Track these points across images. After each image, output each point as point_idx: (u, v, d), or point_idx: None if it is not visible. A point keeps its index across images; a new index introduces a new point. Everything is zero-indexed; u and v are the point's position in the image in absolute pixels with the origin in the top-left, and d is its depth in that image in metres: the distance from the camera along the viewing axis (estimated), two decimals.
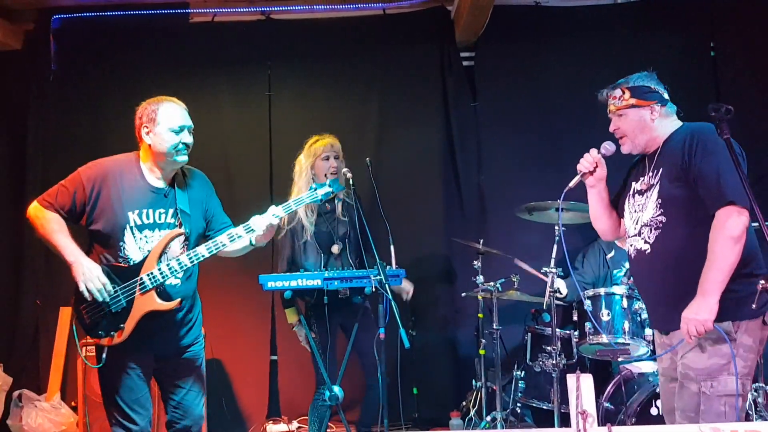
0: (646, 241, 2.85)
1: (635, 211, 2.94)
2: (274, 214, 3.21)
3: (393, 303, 3.52)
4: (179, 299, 3.08)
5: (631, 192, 3.01)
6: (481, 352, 4.75)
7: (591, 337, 4.18)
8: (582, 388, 1.93)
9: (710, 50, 5.54)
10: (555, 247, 4.25)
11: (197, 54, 5.55)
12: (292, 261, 4.21)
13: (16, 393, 4.99)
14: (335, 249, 4.15)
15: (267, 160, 5.49)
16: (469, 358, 5.24)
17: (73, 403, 5.10)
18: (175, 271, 3.07)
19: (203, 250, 3.12)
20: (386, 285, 3.59)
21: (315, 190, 3.34)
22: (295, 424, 5.24)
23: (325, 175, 4.09)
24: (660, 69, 5.16)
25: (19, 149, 5.48)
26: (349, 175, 4.04)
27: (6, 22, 5.45)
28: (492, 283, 4.48)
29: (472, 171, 5.53)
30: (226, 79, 5.54)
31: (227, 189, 5.40)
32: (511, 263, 4.77)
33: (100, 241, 3.12)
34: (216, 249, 3.15)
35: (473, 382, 4.87)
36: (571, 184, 3.08)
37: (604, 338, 4.12)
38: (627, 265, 4.85)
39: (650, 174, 2.90)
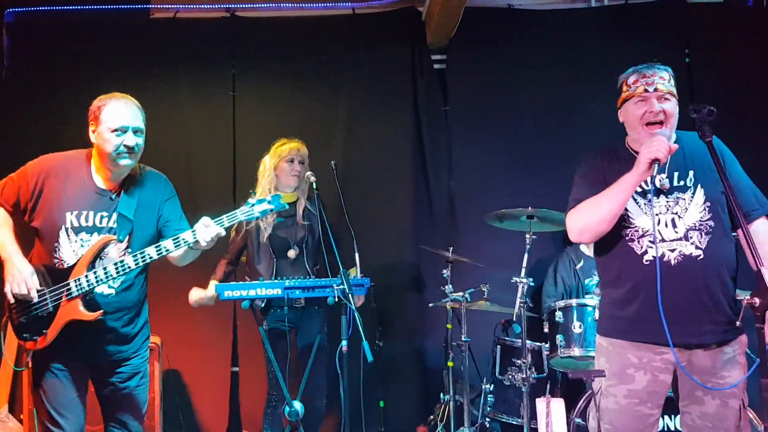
0: (697, 246, 2.65)
1: (661, 213, 2.71)
2: (210, 236, 2.93)
3: (356, 314, 3.39)
4: (100, 311, 2.89)
5: (643, 189, 2.74)
6: (450, 364, 4.60)
7: (562, 350, 4.05)
8: (552, 413, 1.77)
9: (685, 56, 5.47)
10: (526, 256, 4.12)
11: (158, 51, 5.33)
12: (240, 252, 4.18)
13: None
14: (291, 254, 4.05)
15: (230, 162, 5.30)
16: (437, 370, 5.07)
17: (21, 416, 4.86)
18: (102, 280, 2.90)
19: (130, 261, 2.92)
20: (350, 295, 3.45)
21: (252, 206, 3.04)
22: None
23: (289, 176, 4.08)
24: None
25: None
26: (312, 179, 3.95)
27: None
28: (461, 293, 4.33)
29: (443, 176, 5.39)
30: (189, 78, 5.33)
31: (189, 191, 5.22)
32: (481, 272, 4.65)
33: (39, 240, 3.01)
34: (143, 260, 2.93)
35: (441, 395, 4.70)
36: (654, 173, 2.59)
37: (576, 351, 4.00)
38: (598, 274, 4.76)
39: (670, 174, 2.73)
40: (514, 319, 4.07)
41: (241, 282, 3.84)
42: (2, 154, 5.15)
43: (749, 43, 5.36)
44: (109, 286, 2.96)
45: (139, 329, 3.13)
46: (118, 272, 2.91)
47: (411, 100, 5.38)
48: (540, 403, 1.78)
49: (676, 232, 2.68)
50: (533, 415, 4.00)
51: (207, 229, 2.92)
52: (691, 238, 2.67)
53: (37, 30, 5.35)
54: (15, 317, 2.94)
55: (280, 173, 4.12)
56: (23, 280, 2.85)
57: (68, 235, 2.94)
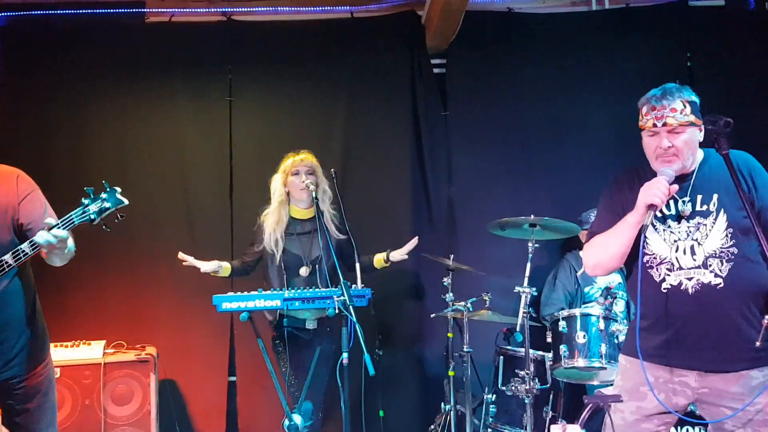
0: (717, 275, 2.58)
1: (680, 239, 2.65)
2: (46, 241, 2.64)
3: (357, 326, 3.31)
4: None
5: (657, 217, 2.70)
6: (450, 373, 4.52)
7: (566, 360, 3.98)
8: None
9: (687, 60, 5.43)
10: (528, 264, 4.06)
11: (153, 56, 5.23)
12: (257, 260, 4.18)
13: None
14: (303, 272, 3.96)
15: (227, 169, 5.20)
16: (438, 379, 5.00)
17: None
18: None
19: (8, 258, 2.68)
20: (350, 307, 3.38)
21: (86, 206, 2.70)
22: None
23: (299, 191, 4.02)
24: (635, 78, 5.16)
25: None
26: (312, 187, 3.87)
27: None
28: (462, 303, 4.25)
29: (442, 183, 5.30)
30: (184, 83, 5.23)
31: (184, 197, 5.16)
32: (483, 280, 4.58)
33: None
34: (23, 254, 2.68)
35: (442, 404, 4.63)
36: (647, 222, 2.58)
37: (580, 362, 3.94)
38: (599, 282, 4.70)
39: (693, 198, 2.66)
40: (517, 328, 3.99)
41: (239, 293, 3.76)
42: None
43: (751, 46, 5.32)
44: None
45: (19, 350, 2.86)
46: None
47: (410, 105, 5.29)
48: (556, 430, 1.71)
49: (695, 260, 2.62)
50: (537, 426, 3.95)
51: (42, 235, 2.64)
52: (710, 266, 2.60)
53: (31, 34, 5.22)
54: None
55: (290, 189, 4.05)
56: None
57: None
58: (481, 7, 5.30)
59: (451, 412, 4.46)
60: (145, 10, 5.29)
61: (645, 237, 2.60)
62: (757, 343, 2.44)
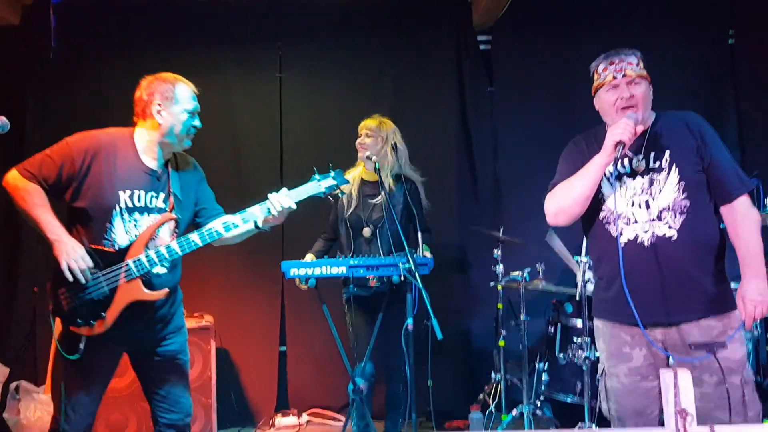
0: (671, 227, 2.66)
1: (636, 194, 2.72)
2: (282, 204, 2.95)
3: (424, 292, 3.39)
4: (166, 289, 2.88)
5: (610, 173, 2.74)
6: (501, 343, 4.63)
7: None
8: (680, 385, 1.79)
9: (728, 38, 5.46)
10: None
11: (204, 33, 5.33)
12: (334, 229, 4.26)
13: (12, 385, 4.77)
14: (366, 232, 4.06)
15: (277, 143, 5.31)
16: (485, 351, 5.12)
17: None
18: (164, 258, 2.86)
19: (196, 238, 2.91)
20: (415, 273, 3.46)
21: (319, 182, 3.07)
22: (305, 417, 5.10)
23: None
24: (678, 55, 5.21)
25: (16, 128, 5.18)
26: (374, 158, 3.93)
27: None
28: (519, 273, 4.35)
29: (488, 158, 5.39)
30: (235, 60, 5.33)
31: (236, 172, 5.27)
32: (530, 253, 4.66)
33: (82, 221, 2.86)
34: (210, 238, 2.93)
35: (492, 374, 4.74)
36: (618, 155, 2.66)
37: None
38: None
39: (646, 156, 2.74)
40: (577, 297, 4.08)
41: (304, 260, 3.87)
42: (50, 132, 5.15)
43: None
44: (163, 265, 2.90)
45: (176, 307, 3.10)
46: (183, 250, 2.89)
47: (456, 81, 5.37)
48: (666, 373, 1.78)
49: (649, 214, 2.70)
50: (594, 394, 4.05)
51: (282, 199, 2.94)
52: (664, 218, 2.68)
53: (84, 12, 5.32)
54: (65, 303, 2.79)
55: (358, 149, 4.15)
56: (80, 257, 2.74)
57: (122, 216, 2.85)
58: None
59: (502, 382, 4.58)
60: None
61: (617, 171, 2.70)
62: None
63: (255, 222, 3.00)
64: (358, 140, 4.11)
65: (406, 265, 3.52)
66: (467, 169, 5.38)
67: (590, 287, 4.22)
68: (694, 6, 5.41)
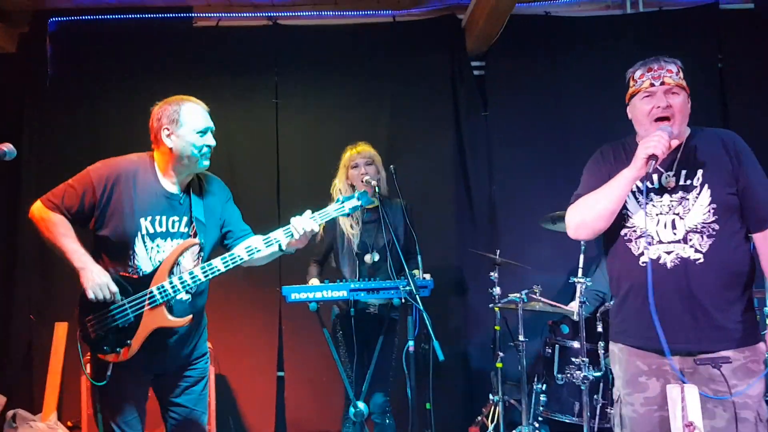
0: (697, 250, 2.51)
1: (662, 213, 2.58)
2: (304, 228, 2.94)
3: (425, 314, 3.41)
4: (190, 316, 2.87)
5: (638, 188, 2.62)
6: (498, 365, 4.64)
7: None
8: (687, 399, 1.83)
9: (717, 61, 5.56)
10: (581, 256, 4.19)
11: (201, 60, 5.39)
12: (328, 253, 4.20)
13: (10, 413, 4.76)
14: (368, 259, 4.04)
15: (274, 169, 5.35)
16: (482, 372, 5.13)
17: (69, 423, 4.88)
18: (187, 285, 2.85)
19: (219, 264, 2.88)
20: (416, 296, 3.48)
21: (342, 203, 3.05)
22: None
23: (361, 183, 3.99)
24: None
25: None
26: (374, 183, 3.94)
27: (0, 24, 5.24)
28: (517, 294, 4.38)
29: (484, 181, 5.44)
30: (232, 86, 5.38)
31: (233, 196, 5.24)
32: (525, 274, 4.71)
33: (107, 249, 2.87)
34: (233, 263, 2.91)
35: (489, 395, 4.75)
36: (649, 170, 2.51)
37: None
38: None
39: (677, 172, 2.60)
40: (574, 317, 4.12)
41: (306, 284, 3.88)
42: (47, 160, 5.21)
43: None
44: (186, 292, 2.88)
45: (202, 331, 3.11)
46: (206, 276, 2.86)
47: (452, 106, 5.45)
48: (672, 389, 1.82)
49: (675, 234, 2.55)
50: (593, 414, 4.08)
51: (304, 223, 2.93)
52: (690, 240, 2.54)
53: (80, 39, 5.38)
54: (92, 330, 2.82)
55: (353, 181, 4.10)
56: (104, 284, 2.75)
57: (144, 242, 2.85)
58: (518, 11, 5.42)
59: (500, 403, 4.59)
60: (193, 15, 5.43)
61: (647, 187, 2.55)
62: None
63: (279, 245, 2.98)
64: (358, 171, 4.06)
65: (407, 288, 3.54)
66: (464, 193, 5.43)
67: (587, 307, 4.30)
68: (682, 31, 5.52)
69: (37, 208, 2.86)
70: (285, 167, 5.34)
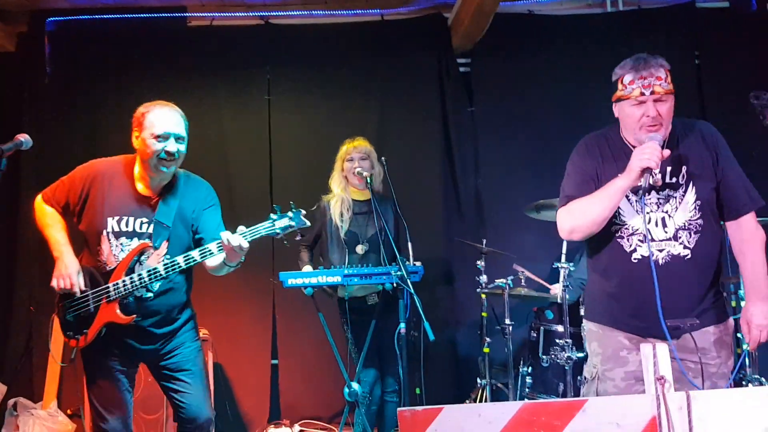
0: (686, 246, 2.63)
1: (651, 210, 2.66)
2: (231, 242, 2.90)
3: (416, 297, 3.56)
4: (133, 316, 2.99)
5: (634, 195, 2.71)
6: (486, 350, 4.81)
7: None
8: (658, 355, 2.00)
9: (695, 58, 5.76)
10: (565, 243, 4.36)
11: (195, 58, 5.54)
12: (317, 239, 4.31)
13: (10, 401, 4.86)
14: (359, 249, 4.18)
15: (267, 164, 5.50)
16: (470, 358, 5.30)
17: (69, 411, 4.99)
18: (145, 281, 2.98)
19: (181, 260, 2.99)
20: (407, 280, 3.64)
21: (274, 222, 3.01)
22: (296, 428, 5.22)
23: (353, 175, 4.19)
24: None
25: (12, 153, 5.33)
26: (366, 174, 4.09)
27: None
28: (503, 280, 4.56)
29: (470, 174, 5.62)
30: (225, 83, 5.54)
31: (227, 194, 5.38)
32: (511, 262, 4.87)
33: (87, 242, 3.11)
34: (193, 261, 3.00)
35: (477, 380, 4.92)
36: (644, 184, 2.55)
37: None
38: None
39: (663, 169, 2.65)
40: (558, 300, 4.30)
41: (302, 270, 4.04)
42: (45, 158, 5.31)
43: (755, 45, 5.64)
44: (149, 288, 3.01)
45: (181, 326, 3.20)
46: (150, 278, 2.98)
47: (438, 102, 5.62)
48: (645, 347, 2.00)
49: (666, 232, 2.64)
50: (576, 393, 4.25)
51: (231, 238, 2.90)
52: (680, 237, 2.63)
53: (77, 39, 5.51)
54: (61, 315, 3.07)
55: (347, 175, 4.24)
56: (68, 275, 2.97)
57: (109, 240, 3.02)
58: (502, 10, 5.60)
59: (487, 387, 4.77)
60: (187, 14, 5.57)
61: (644, 197, 2.58)
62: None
63: (224, 260, 3.03)
64: (353, 165, 4.19)
65: (398, 273, 3.70)
66: (451, 185, 5.60)
67: (572, 294, 4.48)
68: (661, 29, 5.71)
69: (37, 200, 3.17)
70: (277, 161, 5.50)
